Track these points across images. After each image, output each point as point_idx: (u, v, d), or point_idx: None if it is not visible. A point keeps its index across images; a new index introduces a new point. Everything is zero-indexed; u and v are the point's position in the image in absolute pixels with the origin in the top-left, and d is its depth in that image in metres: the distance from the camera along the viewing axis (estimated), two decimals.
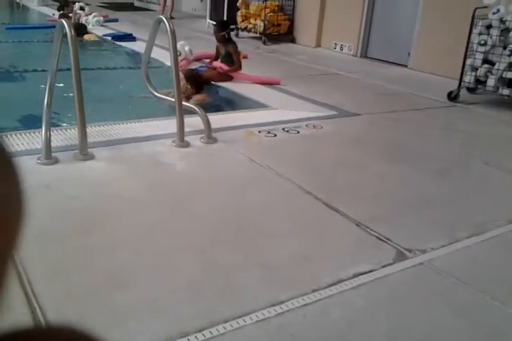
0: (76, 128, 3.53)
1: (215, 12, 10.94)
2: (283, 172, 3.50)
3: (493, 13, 5.40)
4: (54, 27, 3.77)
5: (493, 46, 5.45)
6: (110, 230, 2.63)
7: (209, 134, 4.02)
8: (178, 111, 3.84)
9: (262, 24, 9.53)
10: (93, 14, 10.43)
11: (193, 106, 4.15)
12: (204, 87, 5.62)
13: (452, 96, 5.86)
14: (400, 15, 8.08)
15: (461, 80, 5.77)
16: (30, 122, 4.28)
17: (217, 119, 4.34)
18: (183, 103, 3.99)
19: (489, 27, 5.49)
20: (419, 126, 4.94)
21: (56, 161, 3.40)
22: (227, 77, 6.20)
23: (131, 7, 15.64)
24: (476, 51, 5.57)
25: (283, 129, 4.43)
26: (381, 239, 2.70)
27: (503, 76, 5.36)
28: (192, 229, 2.70)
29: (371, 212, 3.02)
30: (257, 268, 2.37)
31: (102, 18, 10.59)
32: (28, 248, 2.15)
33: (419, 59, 7.58)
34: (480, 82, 5.64)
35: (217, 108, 5.11)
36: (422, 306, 2.19)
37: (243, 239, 2.64)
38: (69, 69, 3.42)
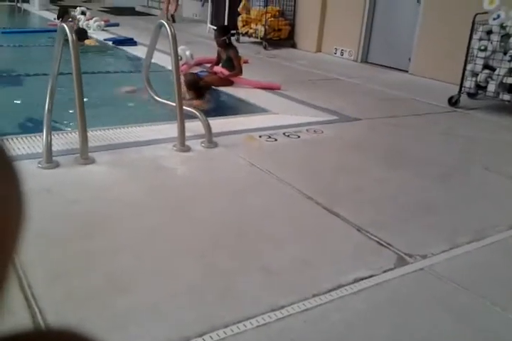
0: (77, 132, 3.54)
1: (216, 17, 10.97)
2: (283, 176, 3.50)
3: (494, 19, 5.42)
4: (52, 31, 3.78)
5: (494, 52, 5.46)
6: (111, 234, 2.63)
7: (210, 139, 4.03)
8: (179, 115, 3.85)
9: (263, 29, 9.56)
10: (94, 19, 10.47)
11: (193, 111, 4.15)
12: (205, 93, 5.60)
13: (453, 102, 5.86)
14: (400, 21, 8.11)
15: (461, 85, 5.78)
16: (31, 126, 4.29)
17: (218, 124, 4.35)
18: (184, 107, 4.00)
19: (489, 32, 5.51)
20: (420, 131, 4.94)
21: (57, 165, 3.40)
22: (228, 82, 6.21)
23: (132, 12, 15.70)
24: (477, 56, 5.58)
25: (284, 134, 4.44)
26: (382, 244, 2.70)
27: (504, 81, 5.37)
28: (192, 234, 2.70)
29: (372, 217, 3.02)
30: (257, 272, 2.37)
31: (103, 22, 10.63)
32: (28, 251, 2.14)
33: (419, 64, 7.59)
34: (480, 87, 5.65)
35: (217, 112, 5.11)
36: (422, 311, 2.18)
37: (244, 244, 2.64)
38: (70, 74, 3.43)
